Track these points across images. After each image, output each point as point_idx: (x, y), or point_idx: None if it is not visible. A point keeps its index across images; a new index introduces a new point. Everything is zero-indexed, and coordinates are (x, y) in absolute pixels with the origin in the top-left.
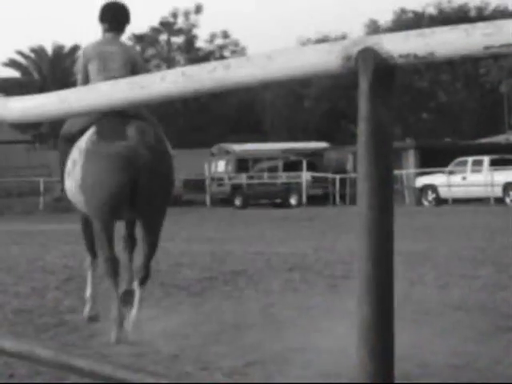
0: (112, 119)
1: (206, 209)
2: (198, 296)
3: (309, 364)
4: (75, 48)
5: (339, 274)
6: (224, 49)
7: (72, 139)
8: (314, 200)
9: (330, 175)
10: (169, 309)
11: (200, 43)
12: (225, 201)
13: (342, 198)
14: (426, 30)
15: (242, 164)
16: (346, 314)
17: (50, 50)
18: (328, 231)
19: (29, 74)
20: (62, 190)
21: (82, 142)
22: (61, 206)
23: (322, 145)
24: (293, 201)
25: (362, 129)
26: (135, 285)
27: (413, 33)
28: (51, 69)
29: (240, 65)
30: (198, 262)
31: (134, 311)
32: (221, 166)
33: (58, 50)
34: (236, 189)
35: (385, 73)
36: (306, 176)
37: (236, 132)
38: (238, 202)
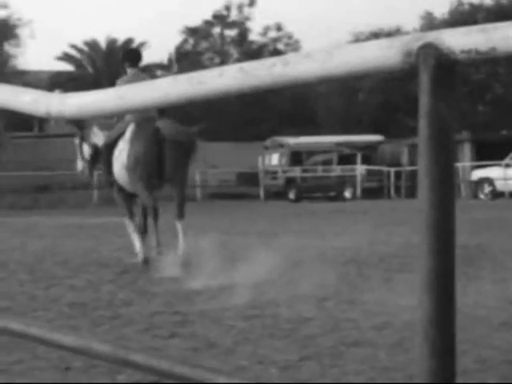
0: (145, 120)
1: (260, 202)
2: (253, 288)
3: (364, 359)
4: (128, 41)
5: (395, 267)
6: (277, 42)
7: (112, 145)
8: (368, 193)
9: (384, 168)
10: (224, 302)
11: (253, 36)
12: (278, 194)
13: (397, 191)
14: (488, 26)
15: (296, 157)
16: (401, 309)
17: (103, 43)
18: (383, 224)
19: (82, 67)
20: (106, 179)
21: (126, 135)
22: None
23: (377, 138)
24: (347, 194)
25: (423, 125)
26: (177, 222)
27: (474, 28)
28: (105, 62)
29: (299, 61)
30: (252, 255)
31: (181, 241)
32: (275, 159)
33: (112, 43)
34: (290, 182)
35: (446, 69)
36: (360, 169)
37: (290, 125)
38: (291, 195)
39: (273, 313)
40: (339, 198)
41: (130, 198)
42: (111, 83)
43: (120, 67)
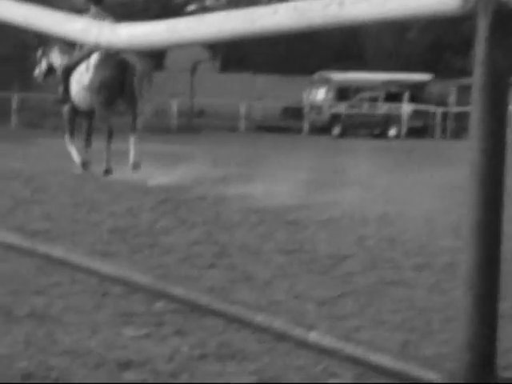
0: (105, 52)
1: (303, 137)
2: (293, 223)
3: (402, 298)
4: None
5: (436, 208)
6: None
7: (71, 68)
8: (413, 132)
9: (431, 108)
10: (263, 235)
11: None
12: (323, 129)
13: (443, 131)
14: None
15: (343, 93)
16: (441, 250)
17: None
18: (427, 165)
19: None
20: (63, 97)
21: (91, 60)
22: (159, 127)
23: (425, 77)
24: (392, 132)
25: (478, 74)
26: (131, 136)
27: None
28: None
29: (355, 2)
30: (293, 190)
31: (132, 151)
32: (321, 94)
33: None
34: (335, 118)
35: (505, 17)
36: (407, 108)
37: (337, 60)
38: (336, 131)
39: (312, 248)
40: (384, 135)
41: (75, 118)
42: (161, 10)
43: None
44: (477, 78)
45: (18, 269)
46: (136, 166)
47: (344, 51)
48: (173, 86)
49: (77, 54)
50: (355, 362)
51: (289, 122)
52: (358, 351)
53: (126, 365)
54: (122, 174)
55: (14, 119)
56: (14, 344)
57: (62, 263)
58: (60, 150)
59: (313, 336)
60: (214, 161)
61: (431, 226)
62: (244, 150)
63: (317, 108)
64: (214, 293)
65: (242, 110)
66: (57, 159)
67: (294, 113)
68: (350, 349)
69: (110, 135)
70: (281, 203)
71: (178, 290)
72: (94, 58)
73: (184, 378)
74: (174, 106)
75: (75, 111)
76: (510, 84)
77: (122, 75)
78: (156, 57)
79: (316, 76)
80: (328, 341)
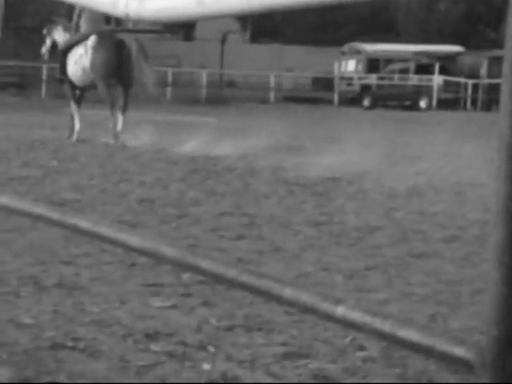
0: (106, 33)
1: (334, 108)
2: (322, 195)
3: (431, 271)
4: None
5: (466, 181)
6: None
7: (68, 49)
8: (444, 104)
9: (462, 80)
10: (292, 207)
11: None
12: (353, 100)
13: (474, 103)
14: None
15: (373, 64)
16: (471, 222)
17: None
18: (457, 137)
19: None
20: (61, 77)
21: (89, 42)
22: (188, 98)
23: (456, 48)
24: (422, 104)
25: (510, 46)
26: (120, 114)
27: None
28: None
29: None
30: (324, 163)
31: (119, 126)
32: (351, 65)
33: None
34: (365, 89)
35: None
36: (437, 79)
37: (368, 31)
38: (366, 102)
39: (340, 220)
40: (414, 107)
41: (75, 92)
42: None
43: None
44: (508, 51)
45: (46, 239)
46: (116, 135)
47: (375, 22)
48: (202, 57)
49: (73, 36)
50: (382, 336)
51: (319, 94)
52: (385, 325)
53: (153, 335)
54: (149, 143)
55: (43, 89)
56: (42, 314)
57: (89, 234)
58: (87, 119)
59: (340, 310)
60: (243, 132)
61: (461, 199)
62: (273, 121)
63: (347, 79)
64: (242, 264)
65: (272, 81)
66: (85, 129)
67: (324, 84)
68: (377, 323)
69: (113, 107)
70: (309, 175)
71: (205, 263)
72: (92, 40)
73: (211, 349)
74: (204, 76)
75: (73, 87)
76: None
77: (119, 56)
78: (185, 27)
79: (346, 47)
80: (355, 315)
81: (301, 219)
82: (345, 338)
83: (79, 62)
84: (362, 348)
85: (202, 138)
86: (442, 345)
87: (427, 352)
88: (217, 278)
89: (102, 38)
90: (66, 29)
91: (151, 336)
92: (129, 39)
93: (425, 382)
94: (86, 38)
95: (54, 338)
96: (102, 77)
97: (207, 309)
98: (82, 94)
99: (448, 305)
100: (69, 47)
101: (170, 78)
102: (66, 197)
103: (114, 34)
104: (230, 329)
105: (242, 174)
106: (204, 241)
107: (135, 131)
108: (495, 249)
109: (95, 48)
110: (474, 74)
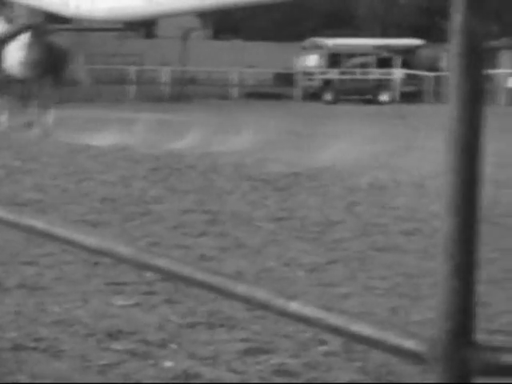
0: (39, 31)
1: (295, 103)
2: (284, 191)
3: (392, 264)
4: None
5: (427, 174)
6: None
7: (3, 42)
8: (406, 97)
9: (423, 73)
10: (254, 203)
11: None
12: (314, 95)
13: (435, 96)
14: None
15: (334, 59)
16: (431, 215)
17: None
18: (420, 129)
19: None
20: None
21: (23, 39)
22: (151, 95)
23: (416, 42)
24: (384, 97)
25: (455, 42)
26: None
27: None
28: None
29: None
30: (285, 157)
31: (44, 119)
32: (312, 60)
33: None
34: (327, 84)
35: None
36: (398, 73)
37: (329, 27)
38: (328, 97)
39: (302, 215)
40: (376, 101)
41: (9, 86)
42: None
43: None
44: (453, 46)
45: (7, 240)
46: (29, 124)
47: (335, 17)
48: (164, 55)
49: (9, 29)
50: (336, 331)
51: (281, 89)
52: (338, 320)
53: (115, 334)
54: (110, 142)
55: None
56: (4, 315)
57: (47, 236)
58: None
59: (293, 306)
60: (205, 129)
61: (422, 192)
62: (235, 116)
63: (308, 74)
64: (204, 261)
65: (234, 77)
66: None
67: (286, 79)
68: (331, 318)
69: (46, 103)
70: (271, 170)
71: (161, 261)
72: (26, 37)
73: (173, 346)
74: (166, 74)
75: (9, 80)
76: (485, 50)
77: (50, 56)
78: (146, 25)
79: (307, 42)
80: (308, 310)
81: (263, 215)
82: (306, 333)
83: (16, 56)
84: (323, 342)
85: (165, 136)
86: (394, 339)
87: (381, 346)
88: (173, 277)
89: (36, 37)
90: (7, 20)
91: (113, 335)
92: (60, 40)
93: (385, 374)
94: (21, 32)
95: (16, 339)
96: (33, 74)
97: (169, 306)
98: (23, 88)
99: (409, 297)
100: (4, 39)
101: (132, 75)
102: (29, 197)
103: (48, 31)
104: (192, 326)
105: (204, 170)
106: (167, 238)
107: (97, 130)
108: (444, 242)
109: (29, 46)
110: (433, 66)
